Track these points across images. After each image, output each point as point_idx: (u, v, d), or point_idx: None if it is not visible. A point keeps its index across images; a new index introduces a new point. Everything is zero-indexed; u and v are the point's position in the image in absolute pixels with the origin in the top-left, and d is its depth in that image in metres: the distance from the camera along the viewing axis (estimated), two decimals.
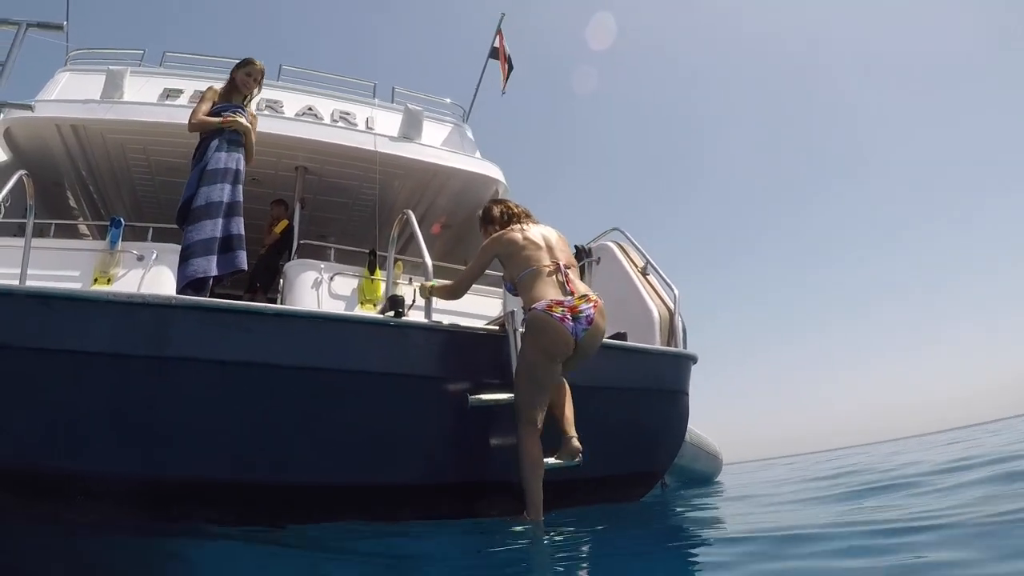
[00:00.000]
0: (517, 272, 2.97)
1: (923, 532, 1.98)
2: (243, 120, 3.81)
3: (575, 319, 2.77)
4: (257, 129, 4.03)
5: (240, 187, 3.70)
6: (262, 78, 4.02)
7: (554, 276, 2.91)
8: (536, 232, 3.07)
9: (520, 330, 2.96)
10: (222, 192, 3.58)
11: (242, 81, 3.91)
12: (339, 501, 2.83)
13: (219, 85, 4.00)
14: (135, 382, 2.57)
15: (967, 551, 1.66)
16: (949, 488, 3.13)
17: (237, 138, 3.78)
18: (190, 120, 3.81)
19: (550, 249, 3.00)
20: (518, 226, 3.12)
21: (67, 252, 4.85)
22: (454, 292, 3.21)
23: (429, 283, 3.19)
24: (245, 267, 3.65)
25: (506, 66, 7.80)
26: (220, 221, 3.54)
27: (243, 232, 3.66)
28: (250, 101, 4.03)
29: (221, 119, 3.75)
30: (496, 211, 3.28)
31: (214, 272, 3.46)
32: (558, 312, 2.76)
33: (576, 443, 2.86)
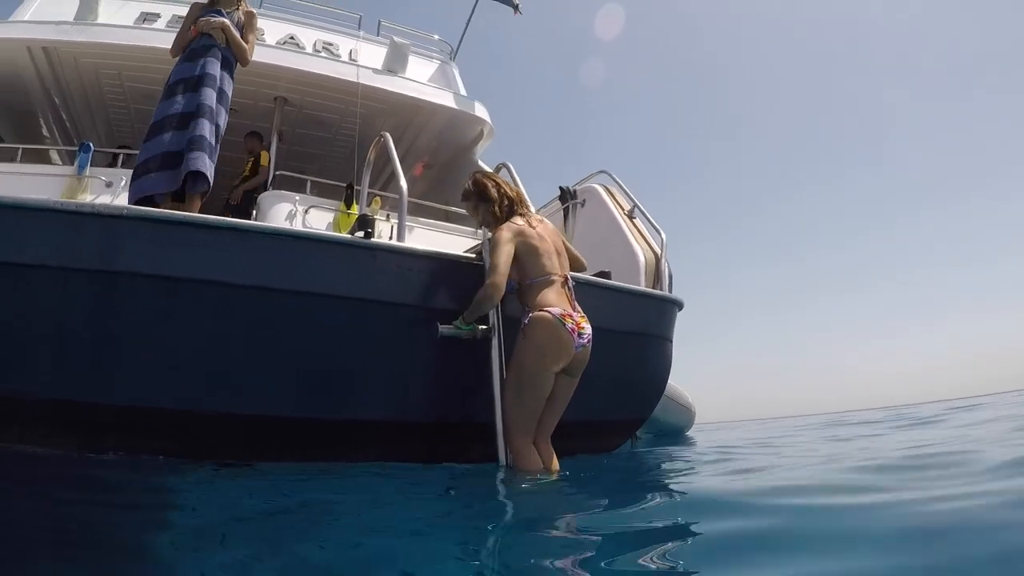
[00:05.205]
0: (528, 276, 2.75)
1: None
2: (217, 19, 3.59)
3: (579, 335, 2.67)
4: (256, 26, 3.86)
5: (207, 90, 3.44)
6: None
7: (564, 288, 2.79)
8: (546, 232, 2.88)
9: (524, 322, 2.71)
10: (178, 104, 3.38)
11: None
12: (295, 437, 2.66)
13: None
14: (80, 298, 2.43)
15: None
16: None
17: (207, 43, 3.56)
18: (172, 45, 3.66)
19: (559, 255, 2.87)
20: (525, 222, 2.86)
21: (34, 177, 4.71)
22: (493, 293, 2.67)
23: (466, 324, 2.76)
24: (201, 168, 3.29)
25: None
26: (172, 134, 3.32)
27: (206, 134, 3.34)
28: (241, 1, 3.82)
29: (192, 29, 3.57)
30: (493, 190, 2.95)
31: (156, 189, 3.24)
32: (569, 323, 2.65)
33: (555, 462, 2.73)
